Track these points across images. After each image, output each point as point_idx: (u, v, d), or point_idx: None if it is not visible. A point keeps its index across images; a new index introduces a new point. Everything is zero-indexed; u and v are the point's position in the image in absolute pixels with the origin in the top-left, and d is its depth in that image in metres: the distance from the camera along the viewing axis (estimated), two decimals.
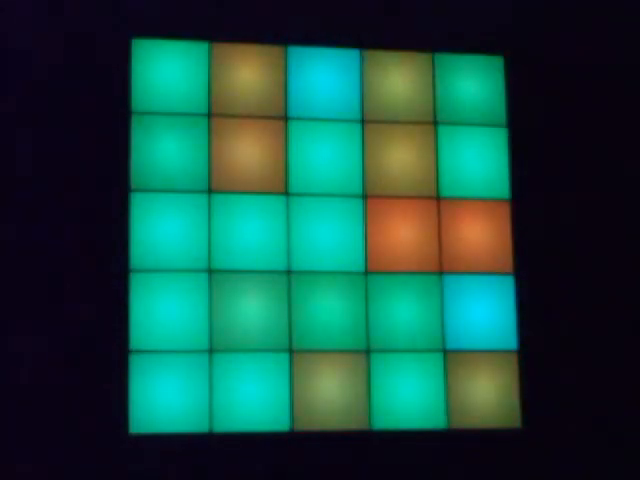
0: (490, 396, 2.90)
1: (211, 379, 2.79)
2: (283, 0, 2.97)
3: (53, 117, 2.80)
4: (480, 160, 3.01)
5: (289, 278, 2.86)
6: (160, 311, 2.80)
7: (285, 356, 2.83)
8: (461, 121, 3.02)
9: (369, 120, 2.98)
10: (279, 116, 2.93)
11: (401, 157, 2.97)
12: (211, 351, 2.80)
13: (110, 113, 2.83)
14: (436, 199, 2.97)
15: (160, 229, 2.83)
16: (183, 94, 2.90)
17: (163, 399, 2.76)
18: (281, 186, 2.90)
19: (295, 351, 2.84)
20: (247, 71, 2.94)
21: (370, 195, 2.94)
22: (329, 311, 2.86)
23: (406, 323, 2.90)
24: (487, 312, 2.94)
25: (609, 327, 2.97)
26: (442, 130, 3.01)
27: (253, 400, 2.79)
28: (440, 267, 2.94)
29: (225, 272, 2.84)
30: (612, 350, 2.96)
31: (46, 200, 2.76)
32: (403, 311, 2.90)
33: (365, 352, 2.87)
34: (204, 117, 2.90)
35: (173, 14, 2.91)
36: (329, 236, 2.90)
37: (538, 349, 2.93)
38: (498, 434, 2.89)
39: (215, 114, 2.91)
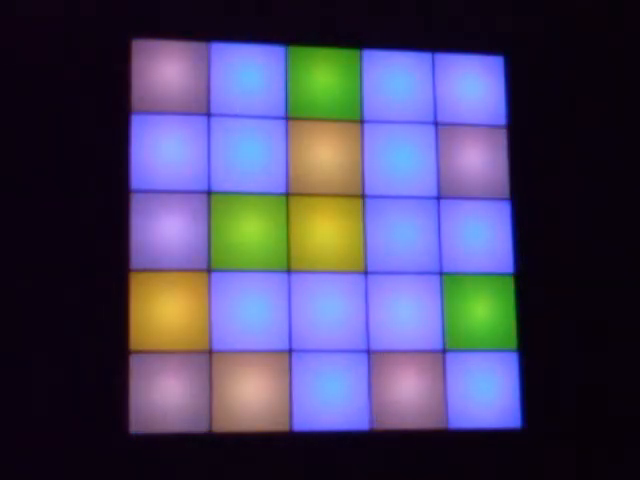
0: (490, 396, 2.90)
1: (211, 379, 2.79)
2: (283, 0, 2.97)
3: (53, 117, 2.80)
4: (480, 160, 3.01)
5: (289, 278, 2.87)
6: (160, 311, 2.80)
7: (285, 356, 2.83)
8: (461, 121, 3.02)
9: (369, 120, 2.98)
10: (279, 116, 2.93)
11: (401, 157, 2.97)
12: (211, 351, 2.80)
13: (110, 113, 2.83)
14: (436, 199, 2.97)
15: (160, 229, 2.83)
16: (183, 94, 2.90)
17: (163, 399, 2.76)
18: (282, 186, 2.90)
19: (294, 351, 2.84)
20: (247, 71, 2.94)
21: (369, 195, 2.94)
22: (329, 311, 2.86)
23: (406, 323, 2.90)
24: (487, 312, 2.94)
25: (609, 327, 2.97)
26: (442, 130, 3.01)
27: (253, 400, 2.79)
28: (440, 267, 2.94)
29: (224, 272, 2.84)
30: (612, 350, 2.96)
31: (46, 200, 2.76)
32: (403, 311, 2.90)
33: (365, 352, 2.87)
34: (204, 117, 2.90)
35: (173, 14, 2.91)
36: (329, 236, 2.90)
37: (538, 349, 2.93)
38: (498, 434, 2.89)
39: (215, 114, 2.91)
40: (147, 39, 2.91)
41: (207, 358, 2.80)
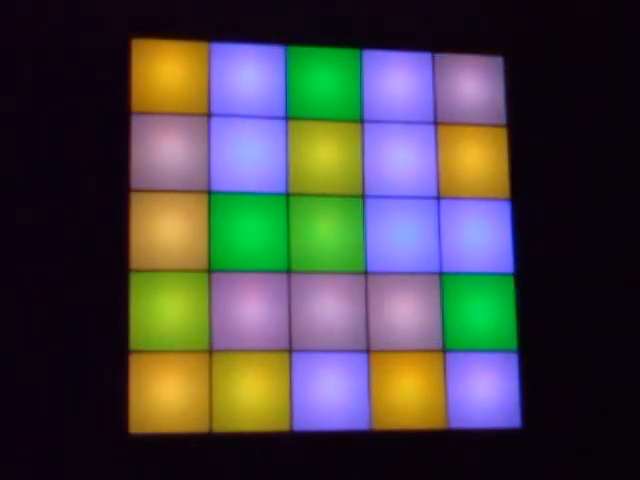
0: (490, 396, 2.90)
1: (211, 379, 2.79)
2: (283, 0, 2.97)
3: (53, 117, 2.80)
4: (480, 160, 3.01)
5: (289, 278, 2.86)
6: (160, 311, 2.80)
7: (285, 356, 2.83)
8: (461, 121, 3.02)
9: (369, 120, 2.98)
10: (279, 116, 2.93)
11: (401, 157, 2.97)
12: (211, 351, 2.80)
13: (110, 113, 2.83)
14: (436, 199, 2.97)
15: (160, 229, 2.83)
16: (183, 94, 2.90)
17: (163, 399, 2.76)
18: (282, 186, 2.90)
19: (294, 351, 2.84)
20: (247, 71, 2.94)
21: (369, 195, 2.94)
22: (329, 311, 2.86)
23: (406, 323, 2.89)
24: (487, 312, 2.94)
25: (609, 327, 2.97)
26: (442, 130, 3.01)
27: (253, 400, 2.79)
28: (440, 267, 2.94)
29: (225, 272, 2.84)
30: (612, 350, 2.96)
31: (46, 200, 2.76)
32: (403, 311, 2.89)
33: (365, 352, 2.87)
34: (204, 117, 2.90)
35: (173, 14, 2.91)
36: (329, 236, 2.90)
37: (538, 349, 2.93)
38: (498, 434, 2.89)
39: (215, 114, 2.91)
40: (147, 39, 2.91)
41: (207, 358, 2.80)
